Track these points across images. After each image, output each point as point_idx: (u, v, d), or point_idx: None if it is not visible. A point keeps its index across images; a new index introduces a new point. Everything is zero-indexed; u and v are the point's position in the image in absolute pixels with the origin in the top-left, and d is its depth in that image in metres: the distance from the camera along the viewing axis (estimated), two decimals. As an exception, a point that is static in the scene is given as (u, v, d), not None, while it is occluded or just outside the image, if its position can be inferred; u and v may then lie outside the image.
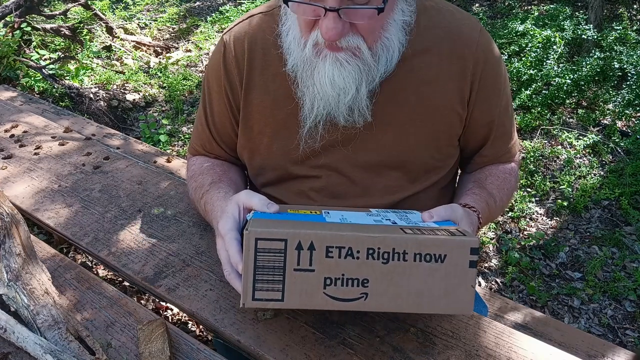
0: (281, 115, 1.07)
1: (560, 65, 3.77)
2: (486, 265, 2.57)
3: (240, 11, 5.25)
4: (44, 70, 3.58)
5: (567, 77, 3.59)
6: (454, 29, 1.04)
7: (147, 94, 4.01)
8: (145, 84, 4.12)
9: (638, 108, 3.45)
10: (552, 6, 4.51)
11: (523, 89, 3.63)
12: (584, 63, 3.69)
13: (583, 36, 3.91)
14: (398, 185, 1.09)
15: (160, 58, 4.62)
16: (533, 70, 3.70)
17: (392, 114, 1.04)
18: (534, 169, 3.12)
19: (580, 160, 3.23)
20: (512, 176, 1.18)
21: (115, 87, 4.00)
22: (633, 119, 3.52)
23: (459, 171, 1.26)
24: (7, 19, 3.91)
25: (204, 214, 1.11)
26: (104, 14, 4.82)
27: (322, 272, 0.77)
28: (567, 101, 3.69)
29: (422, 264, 0.77)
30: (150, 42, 4.79)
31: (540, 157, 3.22)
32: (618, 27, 4.02)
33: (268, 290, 0.77)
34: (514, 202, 2.87)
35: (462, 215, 0.92)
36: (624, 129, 3.47)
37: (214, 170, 1.16)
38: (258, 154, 1.12)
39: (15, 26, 3.85)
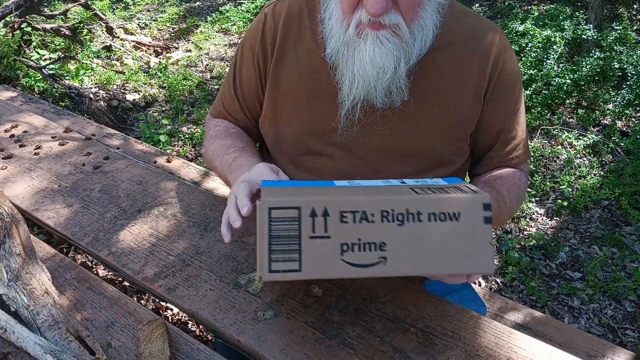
0: (305, 90, 1.11)
1: (560, 65, 3.76)
2: (486, 265, 2.56)
3: (240, 11, 5.25)
4: (44, 70, 3.58)
5: (567, 77, 3.59)
6: (478, 30, 1.09)
7: (147, 94, 4.01)
8: (145, 84, 4.12)
9: (638, 108, 3.45)
10: (552, 6, 4.51)
11: (523, 89, 3.62)
12: (584, 63, 3.68)
13: (583, 36, 3.90)
14: (410, 173, 1.12)
15: (160, 58, 4.62)
16: (533, 70, 3.70)
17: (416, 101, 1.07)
18: (534, 169, 3.12)
19: (580, 160, 3.23)
20: (522, 182, 1.20)
21: (115, 87, 4.00)
22: (633, 119, 3.52)
23: (467, 176, 1.27)
24: (7, 19, 3.91)
25: (226, 167, 1.13)
26: (104, 14, 4.82)
27: (339, 238, 0.76)
28: (567, 101, 3.69)
29: (438, 224, 0.77)
30: (150, 42, 4.79)
31: (540, 157, 3.22)
32: (618, 27, 4.01)
33: (285, 261, 0.76)
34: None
35: None
36: (624, 129, 3.47)
37: (244, 137, 1.22)
38: (278, 124, 1.16)
39: (15, 26, 3.85)
